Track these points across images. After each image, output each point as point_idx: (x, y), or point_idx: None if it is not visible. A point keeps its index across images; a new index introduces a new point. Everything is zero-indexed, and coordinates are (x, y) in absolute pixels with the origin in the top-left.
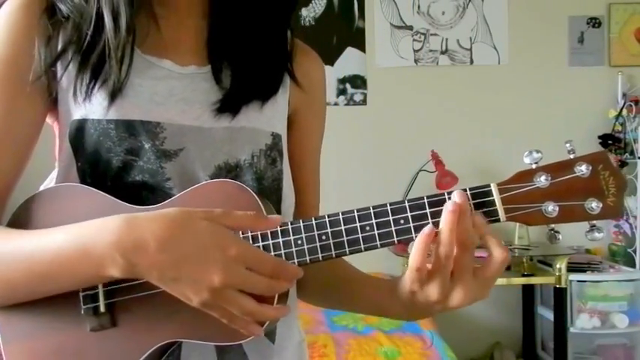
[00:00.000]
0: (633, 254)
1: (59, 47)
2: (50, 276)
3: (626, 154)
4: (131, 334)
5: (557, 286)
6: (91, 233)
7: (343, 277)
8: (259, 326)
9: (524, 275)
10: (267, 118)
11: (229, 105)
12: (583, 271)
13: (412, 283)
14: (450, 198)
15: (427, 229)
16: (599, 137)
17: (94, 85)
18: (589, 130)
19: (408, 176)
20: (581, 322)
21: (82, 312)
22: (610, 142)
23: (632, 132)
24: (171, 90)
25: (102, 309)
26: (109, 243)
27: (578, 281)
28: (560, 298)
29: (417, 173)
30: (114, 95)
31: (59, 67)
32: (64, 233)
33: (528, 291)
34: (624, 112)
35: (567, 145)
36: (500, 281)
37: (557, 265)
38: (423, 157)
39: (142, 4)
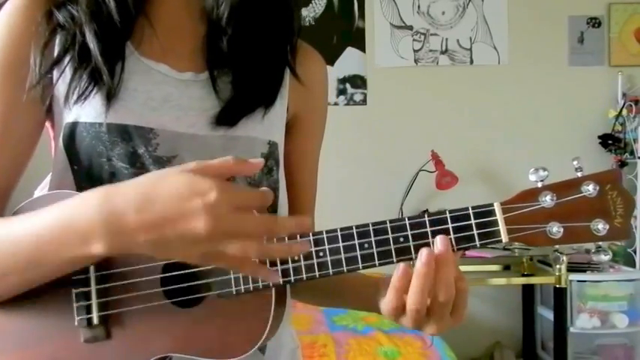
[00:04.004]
0: (633, 254)
1: (55, 53)
2: (37, 257)
3: (626, 154)
4: (125, 346)
5: (557, 286)
6: (72, 209)
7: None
8: (275, 273)
9: (524, 275)
10: (265, 127)
11: (228, 117)
12: (583, 271)
13: (388, 316)
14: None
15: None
16: (599, 137)
17: (92, 89)
18: (589, 130)
19: (408, 176)
20: (581, 322)
21: (76, 323)
22: (610, 142)
23: (632, 132)
24: (167, 96)
25: (95, 321)
26: (90, 218)
27: (578, 281)
28: (560, 298)
29: (417, 173)
30: (109, 99)
31: (55, 72)
32: (48, 211)
33: (528, 291)
34: (624, 112)
35: (575, 162)
36: (501, 281)
37: (557, 265)
38: (423, 157)
39: (136, 6)
